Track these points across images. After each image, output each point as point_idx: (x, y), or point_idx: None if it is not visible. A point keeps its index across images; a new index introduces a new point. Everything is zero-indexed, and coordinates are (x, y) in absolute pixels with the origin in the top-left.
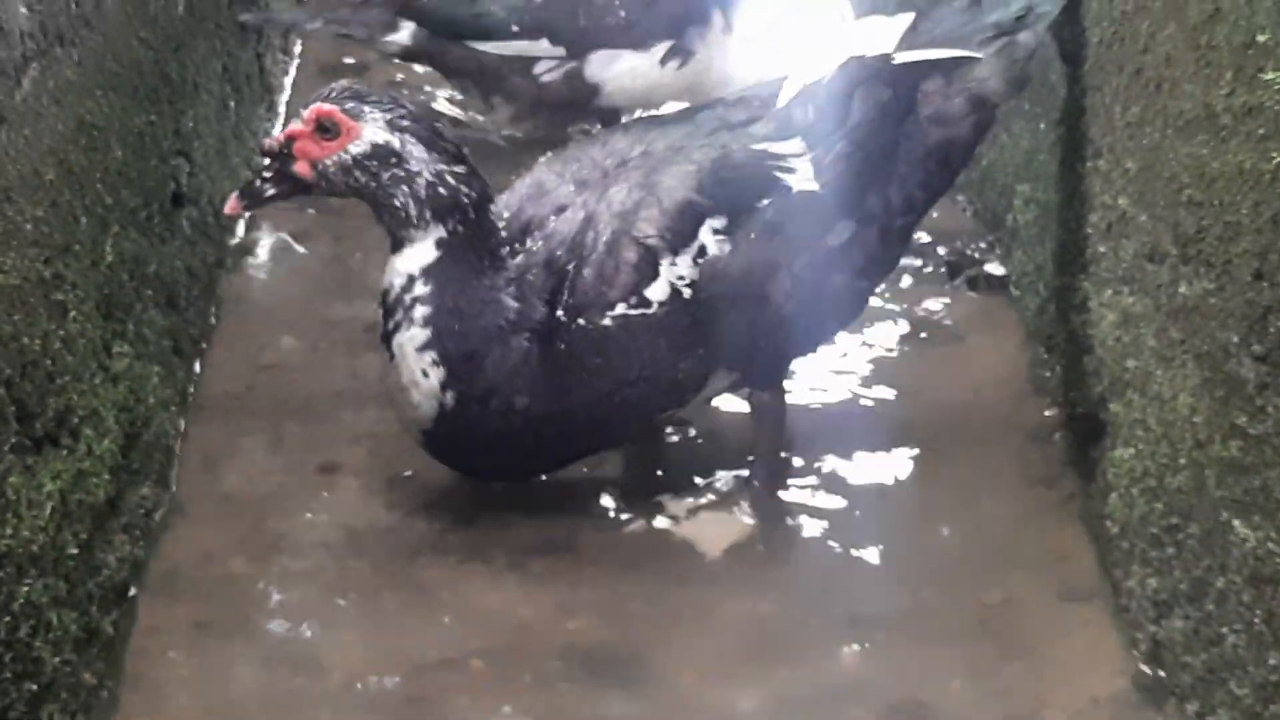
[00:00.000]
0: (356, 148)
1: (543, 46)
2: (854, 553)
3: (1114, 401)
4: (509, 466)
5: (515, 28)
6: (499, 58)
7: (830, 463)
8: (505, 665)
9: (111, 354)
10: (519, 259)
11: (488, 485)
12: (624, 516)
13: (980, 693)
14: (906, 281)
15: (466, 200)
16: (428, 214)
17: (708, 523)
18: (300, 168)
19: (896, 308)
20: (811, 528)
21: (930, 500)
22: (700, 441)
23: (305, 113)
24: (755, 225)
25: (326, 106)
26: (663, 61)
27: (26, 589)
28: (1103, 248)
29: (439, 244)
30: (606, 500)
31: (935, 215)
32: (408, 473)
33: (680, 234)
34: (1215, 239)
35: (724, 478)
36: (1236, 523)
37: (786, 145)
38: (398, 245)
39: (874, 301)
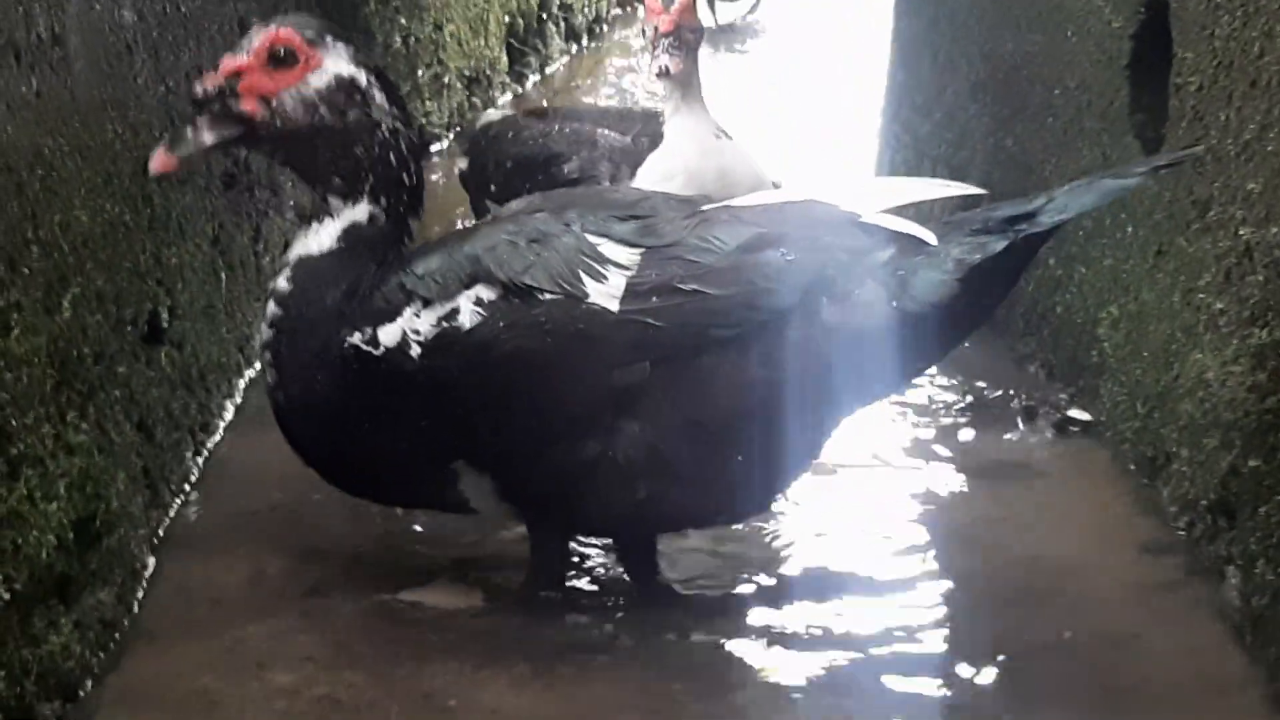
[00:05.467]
0: (318, 79)
1: None
2: (940, 644)
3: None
4: (346, 481)
5: None
6: None
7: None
8: None
9: (66, 421)
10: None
11: (511, 594)
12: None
13: None
14: (974, 430)
15: (408, 180)
16: (370, 180)
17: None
18: (248, 105)
19: (969, 452)
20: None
21: (1052, 603)
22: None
23: (253, 42)
24: (524, 315)
25: (283, 32)
26: None
27: None
28: (1220, 304)
29: (347, 232)
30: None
31: (994, 373)
32: (409, 597)
33: (442, 288)
34: None
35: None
36: None
37: (619, 251)
38: (318, 214)
39: (935, 445)
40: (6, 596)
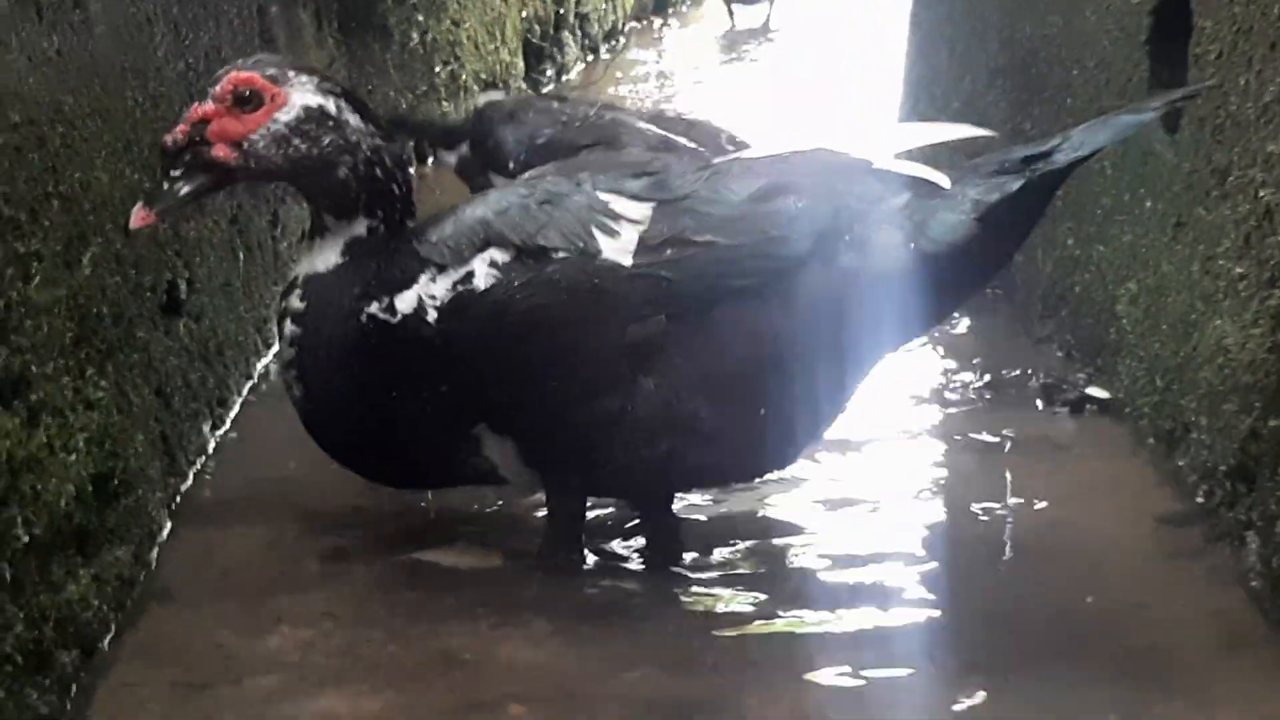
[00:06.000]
0: (286, 114)
1: None
2: (962, 607)
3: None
4: (378, 469)
5: None
6: None
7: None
8: (550, 710)
9: (85, 377)
10: None
11: (529, 557)
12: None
13: None
14: (993, 408)
15: (398, 190)
16: (363, 198)
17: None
18: (220, 151)
19: (987, 429)
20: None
21: (1071, 570)
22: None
23: (215, 89)
24: (537, 274)
25: (244, 74)
26: None
27: None
28: (1239, 268)
29: (349, 246)
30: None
31: (1013, 355)
32: (428, 557)
33: (456, 253)
34: None
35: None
36: None
37: (631, 206)
38: (319, 231)
39: (953, 423)
40: (25, 540)
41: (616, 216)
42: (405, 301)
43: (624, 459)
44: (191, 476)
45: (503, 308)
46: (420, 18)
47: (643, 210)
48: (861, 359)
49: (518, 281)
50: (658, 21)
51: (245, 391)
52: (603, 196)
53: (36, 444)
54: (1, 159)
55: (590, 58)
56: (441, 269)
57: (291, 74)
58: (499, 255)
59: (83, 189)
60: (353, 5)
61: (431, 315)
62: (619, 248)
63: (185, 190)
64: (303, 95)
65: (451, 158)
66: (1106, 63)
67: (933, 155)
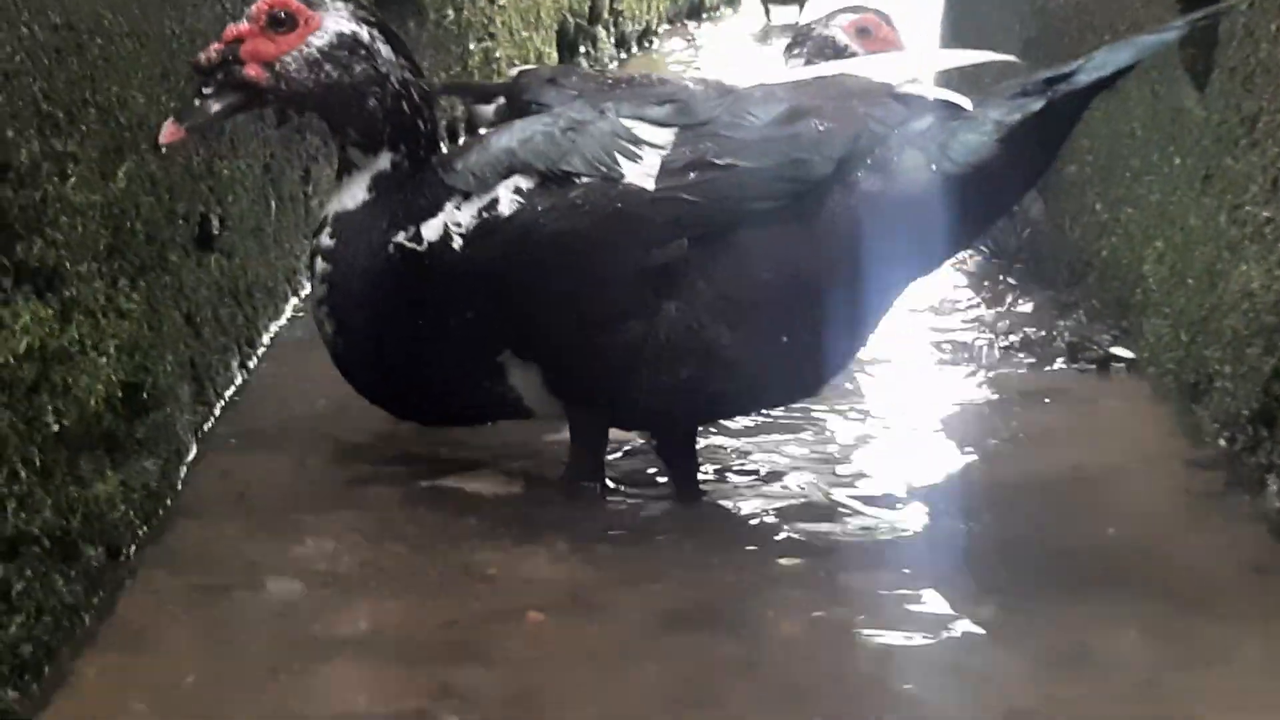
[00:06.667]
0: (319, 38)
1: None
2: (982, 534)
3: None
4: (406, 403)
5: None
6: None
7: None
8: (568, 617)
9: (117, 286)
10: None
11: (552, 484)
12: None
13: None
14: (1018, 365)
15: (424, 126)
16: (388, 131)
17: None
18: (252, 71)
19: (1010, 383)
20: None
21: (1092, 505)
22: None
23: (251, 9)
24: (561, 199)
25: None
26: None
27: None
28: (1266, 212)
29: (375, 181)
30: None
31: (1039, 318)
32: (451, 483)
33: (481, 180)
34: None
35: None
36: None
37: (654, 132)
38: (346, 169)
39: (978, 377)
40: (55, 429)
41: (639, 141)
42: (431, 229)
43: (647, 385)
44: (219, 409)
45: (527, 232)
46: None
47: (665, 135)
48: (885, 285)
49: (542, 206)
50: (692, 24)
51: (273, 335)
52: (626, 123)
53: (69, 339)
54: (41, 56)
55: (623, 55)
56: (467, 196)
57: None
58: (524, 182)
59: (119, 104)
60: None
61: (457, 242)
62: (642, 172)
63: (216, 108)
64: (337, 21)
65: (489, 109)
66: (1139, 25)
67: (957, 86)
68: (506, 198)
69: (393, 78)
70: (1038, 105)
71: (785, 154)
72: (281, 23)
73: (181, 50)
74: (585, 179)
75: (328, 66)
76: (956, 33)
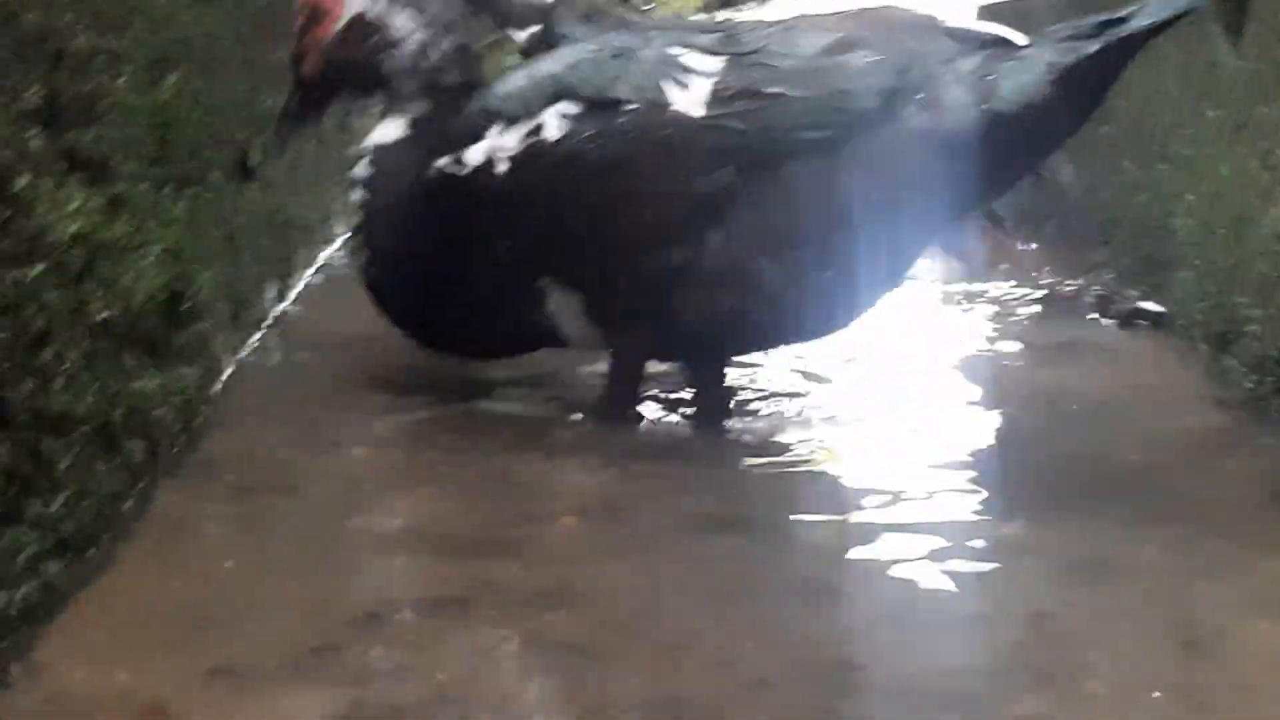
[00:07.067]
0: (340, 24)
1: None
2: (1007, 459)
3: None
4: (437, 332)
5: None
6: None
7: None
8: (603, 522)
9: (162, 192)
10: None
11: (588, 411)
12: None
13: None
14: (1046, 318)
15: (449, 80)
16: (415, 85)
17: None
18: (307, 66)
19: (1038, 332)
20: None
21: (1118, 436)
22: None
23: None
24: (608, 125)
25: None
26: None
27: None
28: None
29: (414, 121)
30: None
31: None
32: (486, 405)
33: (525, 104)
34: None
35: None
36: None
37: (701, 60)
38: (384, 113)
39: (1006, 328)
40: (101, 318)
41: (686, 70)
42: (475, 154)
43: (689, 313)
44: (256, 337)
45: (573, 157)
46: None
47: (713, 64)
48: (929, 223)
49: (588, 132)
50: (724, 15)
51: (309, 275)
52: (673, 50)
53: (116, 233)
54: None
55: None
56: (513, 121)
57: None
58: (570, 108)
59: (165, 19)
60: None
61: (502, 167)
62: (689, 99)
63: (294, 112)
64: (350, 5)
65: (521, 35)
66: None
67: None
68: (553, 122)
69: (410, 41)
70: (1093, 48)
71: (833, 85)
72: (315, 18)
73: None
74: (632, 105)
75: (344, 50)
76: None
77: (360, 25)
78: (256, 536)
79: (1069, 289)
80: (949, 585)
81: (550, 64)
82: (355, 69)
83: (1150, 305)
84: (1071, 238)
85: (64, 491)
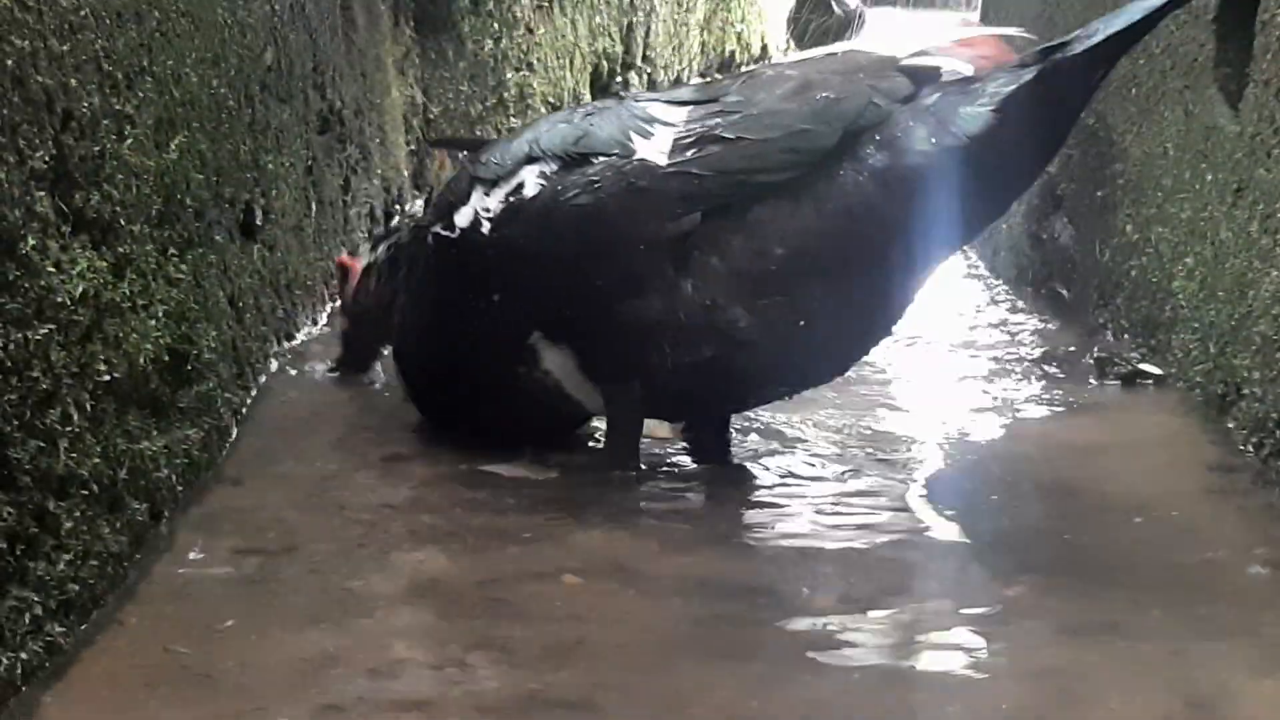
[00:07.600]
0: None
1: None
2: (1012, 521)
3: None
4: (453, 410)
5: None
6: None
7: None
8: (604, 581)
9: (167, 254)
10: None
11: (590, 473)
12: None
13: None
14: (1046, 378)
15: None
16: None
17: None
18: (341, 323)
19: (1039, 394)
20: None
21: (1119, 500)
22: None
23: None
24: (580, 177)
25: (338, 259)
26: None
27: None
28: None
29: None
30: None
31: (1068, 337)
32: (487, 468)
33: (504, 168)
34: None
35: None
36: None
37: (667, 110)
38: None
39: (1005, 387)
40: (106, 379)
41: (653, 120)
42: (463, 216)
43: (671, 363)
44: (256, 393)
45: (549, 210)
46: (495, 25)
47: (678, 113)
48: (904, 266)
49: (562, 185)
50: (722, 77)
51: (312, 332)
52: (640, 105)
53: (121, 294)
54: (104, 15)
55: None
56: (494, 184)
57: (365, 247)
58: (546, 166)
59: (173, 79)
60: (430, 6)
61: (486, 226)
62: (654, 148)
63: (346, 361)
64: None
65: None
66: (1173, 49)
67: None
68: (530, 181)
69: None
70: (1029, 75)
71: (789, 126)
72: (345, 278)
73: (231, 39)
74: (602, 158)
75: (358, 304)
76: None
77: (370, 274)
78: (259, 597)
79: (1068, 350)
80: (953, 646)
81: (529, 131)
82: (375, 315)
83: (1150, 367)
84: (1071, 299)
85: (68, 552)
